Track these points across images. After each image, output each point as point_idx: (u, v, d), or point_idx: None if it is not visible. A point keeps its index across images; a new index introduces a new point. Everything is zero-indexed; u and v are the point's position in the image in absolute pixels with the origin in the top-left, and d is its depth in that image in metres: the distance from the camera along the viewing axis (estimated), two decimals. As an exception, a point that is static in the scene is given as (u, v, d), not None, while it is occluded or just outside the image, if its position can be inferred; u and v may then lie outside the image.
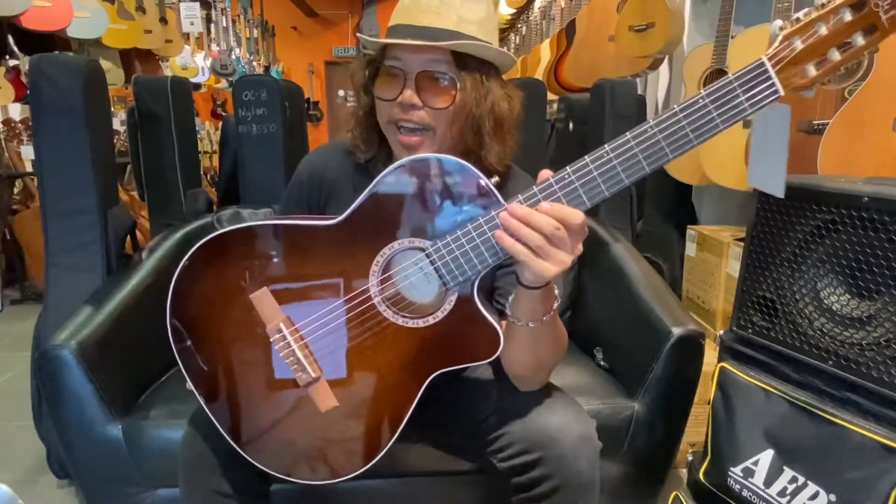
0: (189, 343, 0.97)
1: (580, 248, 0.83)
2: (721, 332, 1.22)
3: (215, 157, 5.84)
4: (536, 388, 1.03)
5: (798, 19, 0.76)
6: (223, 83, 6.55)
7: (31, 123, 1.70)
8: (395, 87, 0.99)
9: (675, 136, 0.78)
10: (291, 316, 0.94)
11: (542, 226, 0.79)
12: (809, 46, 0.76)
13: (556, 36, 4.12)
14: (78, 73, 1.62)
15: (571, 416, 0.99)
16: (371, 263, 0.91)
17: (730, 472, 1.10)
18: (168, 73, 5.35)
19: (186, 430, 1.04)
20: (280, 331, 0.93)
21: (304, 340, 0.94)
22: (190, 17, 4.84)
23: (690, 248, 2.29)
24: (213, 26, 6.26)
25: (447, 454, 1.21)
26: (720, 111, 0.77)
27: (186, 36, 5.18)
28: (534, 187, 0.82)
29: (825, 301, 1.03)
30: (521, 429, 1.00)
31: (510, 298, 0.92)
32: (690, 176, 2.38)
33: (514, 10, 6.19)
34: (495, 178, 0.86)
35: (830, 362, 1.00)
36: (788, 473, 1.02)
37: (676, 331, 1.29)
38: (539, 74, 4.19)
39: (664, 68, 3.07)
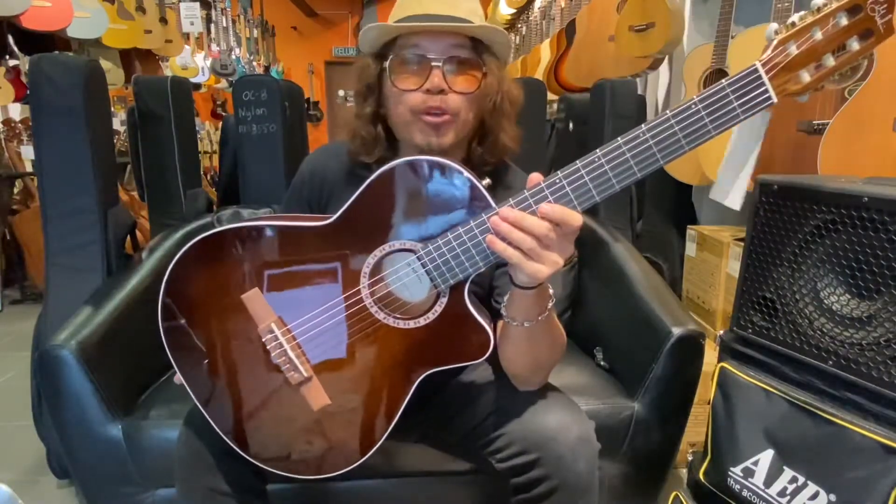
0: (183, 342, 0.97)
1: (572, 247, 0.83)
2: (721, 332, 1.22)
3: (215, 157, 5.84)
4: (535, 387, 1.03)
5: (793, 24, 0.76)
6: (223, 83, 6.55)
7: (31, 123, 1.70)
8: (420, 74, 0.98)
9: (666, 142, 0.78)
10: (283, 316, 0.94)
11: (533, 229, 0.79)
12: (804, 52, 0.75)
13: (556, 36, 4.11)
14: (78, 73, 1.62)
15: (570, 417, 0.99)
16: (363, 265, 0.91)
17: (730, 472, 1.10)
18: (168, 73, 5.35)
19: (182, 430, 1.04)
20: (272, 331, 0.93)
21: (295, 340, 0.94)
22: (190, 17, 4.84)
23: (690, 248, 2.29)
24: (213, 26, 6.26)
25: (446, 454, 1.22)
26: (712, 117, 0.77)
27: (186, 36, 5.18)
28: (525, 192, 0.82)
29: (825, 301, 1.02)
30: (520, 429, 1.00)
31: (505, 298, 0.92)
32: (690, 176, 2.38)
33: (514, 10, 6.18)
34: (487, 181, 0.86)
35: (830, 362, 1.00)
36: (788, 473, 1.02)
37: (676, 331, 1.29)
38: (539, 74, 4.19)
39: (664, 68, 3.07)
